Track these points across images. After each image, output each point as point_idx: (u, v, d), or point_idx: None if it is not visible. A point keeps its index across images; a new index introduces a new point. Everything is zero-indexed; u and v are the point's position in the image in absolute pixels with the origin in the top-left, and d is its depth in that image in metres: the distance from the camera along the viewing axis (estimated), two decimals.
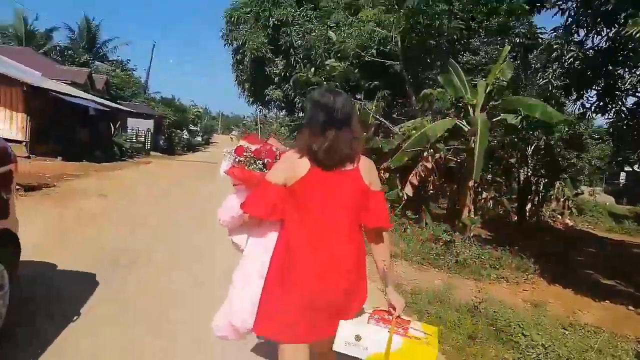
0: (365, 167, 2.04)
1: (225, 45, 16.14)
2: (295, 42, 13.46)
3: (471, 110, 8.33)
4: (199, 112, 55.61)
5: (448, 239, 8.06)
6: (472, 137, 8.07)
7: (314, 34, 12.11)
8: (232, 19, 15.73)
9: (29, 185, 9.88)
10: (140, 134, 31.66)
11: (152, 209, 9.10)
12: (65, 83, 23.87)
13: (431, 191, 9.32)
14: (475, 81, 9.13)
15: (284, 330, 1.97)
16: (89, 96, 22.26)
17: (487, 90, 8.23)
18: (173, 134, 40.34)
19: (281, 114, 23.79)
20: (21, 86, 15.24)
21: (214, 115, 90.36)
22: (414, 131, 8.42)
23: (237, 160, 2.37)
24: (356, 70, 10.21)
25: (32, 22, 35.91)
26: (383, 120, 9.48)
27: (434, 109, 8.51)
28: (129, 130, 29.62)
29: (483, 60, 9.42)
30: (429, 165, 8.47)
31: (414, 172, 8.54)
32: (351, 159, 1.99)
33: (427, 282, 6.23)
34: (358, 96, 10.15)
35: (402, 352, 1.87)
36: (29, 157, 15.63)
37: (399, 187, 9.22)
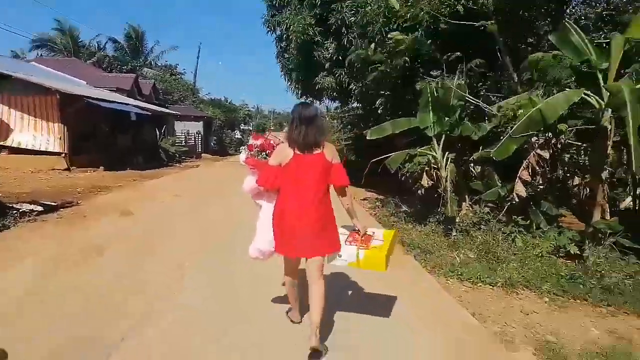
0: (328, 149, 3.31)
1: (267, 32, 14.38)
2: (348, 19, 11.42)
3: (600, 78, 6.02)
4: (249, 111, 54.87)
5: (578, 252, 5.89)
6: (603, 114, 5.83)
7: (369, 7, 10.05)
8: (274, 1, 13.94)
9: (51, 205, 8.57)
10: (190, 137, 30.86)
11: (175, 232, 7.24)
12: (109, 90, 23.24)
13: (540, 186, 7.03)
14: (598, 40, 6.77)
15: (283, 249, 3.37)
16: (130, 101, 21.35)
17: (625, 49, 5.89)
18: (224, 135, 39.56)
19: (333, 105, 21.87)
20: (54, 94, 14.22)
21: (265, 114, 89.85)
22: (520, 110, 6.23)
23: (249, 153, 3.68)
24: (429, 41, 8.08)
25: (79, 34, 36.00)
26: (471, 99, 7.30)
27: (547, 79, 6.23)
28: (178, 134, 28.79)
29: (604, 13, 7.00)
30: (546, 155, 6.24)
31: (525, 164, 6.34)
32: (317, 145, 3.26)
33: (576, 330, 4.13)
34: (434, 73, 8.03)
35: (366, 258, 3.34)
36: (68, 170, 14.65)
37: (499, 184, 7.05)
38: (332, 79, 12.67)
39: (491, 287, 5.16)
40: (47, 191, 10.38)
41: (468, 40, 7.90)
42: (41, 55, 33.26)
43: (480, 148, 7.63)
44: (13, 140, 14.64)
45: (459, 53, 7.56)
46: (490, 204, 7.31)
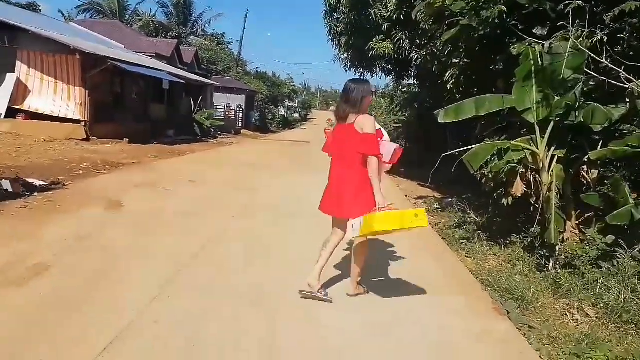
0: (358, 121, 3.48)
1: None
2: None
3: None
4: (295, 87, 52.86)
5: None
6: None
7: None
8: None
9: (38, 185, 6.98)
10: (230, 111, 29.26)
11: (157, 253, 4.50)
12: (148, 56, 21.82)
13: None
14: None
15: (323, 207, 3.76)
16: (168, 68, 19.73)
17: None
18: (267, 111, 37.83)
19: (384, 82, 19.44)
20: (73, 53, 12.68)
21: (313, 92, 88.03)
22: None
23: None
24: None
25: None
26: (609, 66, 4.88)
27: None
28: (219, 107, 27.20)
29: None
30: None
31: None
32: (344, 117, 3.58)
33: None
34: (538, 32, 5.66)
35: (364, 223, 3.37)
36: (87, 140, 13.21)
37: (632, 201, 4.69)
38: (390, 45, 10.30)
39: None
40: (46, 166, 8.83)
41: None
42: (90, 17, 32.54)
43: (600, 144, 5.24)
44: (30, 105, 13.32)
45: (580, 2, 5.14)
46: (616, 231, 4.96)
